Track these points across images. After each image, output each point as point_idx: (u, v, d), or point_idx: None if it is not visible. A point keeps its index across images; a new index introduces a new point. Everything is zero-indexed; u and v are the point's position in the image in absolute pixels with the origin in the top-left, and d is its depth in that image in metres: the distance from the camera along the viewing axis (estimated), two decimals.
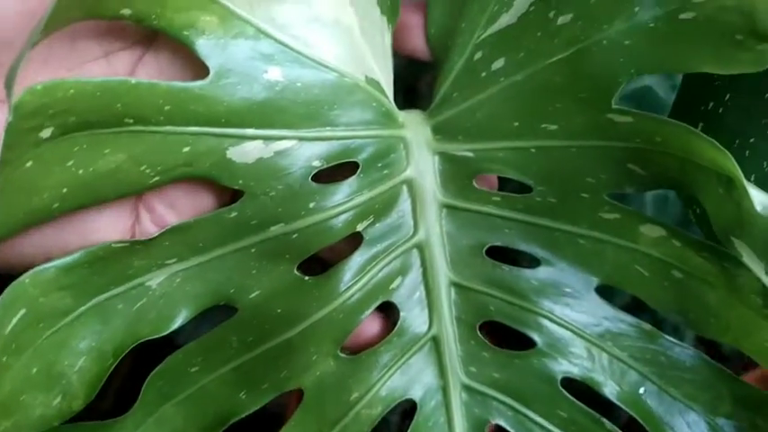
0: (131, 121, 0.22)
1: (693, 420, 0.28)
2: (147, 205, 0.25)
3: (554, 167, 0.27)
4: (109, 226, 0.24)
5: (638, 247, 0.27)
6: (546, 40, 0.25)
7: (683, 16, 0.22)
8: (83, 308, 0.24)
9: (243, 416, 0.27)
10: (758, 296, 0.25)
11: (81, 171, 0.22)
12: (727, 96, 0.26)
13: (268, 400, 0.27)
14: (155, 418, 0.26)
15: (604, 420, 0.28)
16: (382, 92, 0.27)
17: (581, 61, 0.24)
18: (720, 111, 0.25)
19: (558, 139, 0.26)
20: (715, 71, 0.22)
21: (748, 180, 0.22)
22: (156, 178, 0.23)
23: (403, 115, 0.28)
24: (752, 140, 0.25)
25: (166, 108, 0.22)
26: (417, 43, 0.28)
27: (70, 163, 0.22)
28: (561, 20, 0.24)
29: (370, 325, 0.28)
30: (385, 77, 0.27)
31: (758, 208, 0.21)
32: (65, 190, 0.22)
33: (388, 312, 0.29)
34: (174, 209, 0.25)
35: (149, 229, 0.25)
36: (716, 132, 0.23)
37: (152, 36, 0.24)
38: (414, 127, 0.28)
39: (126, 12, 0.21)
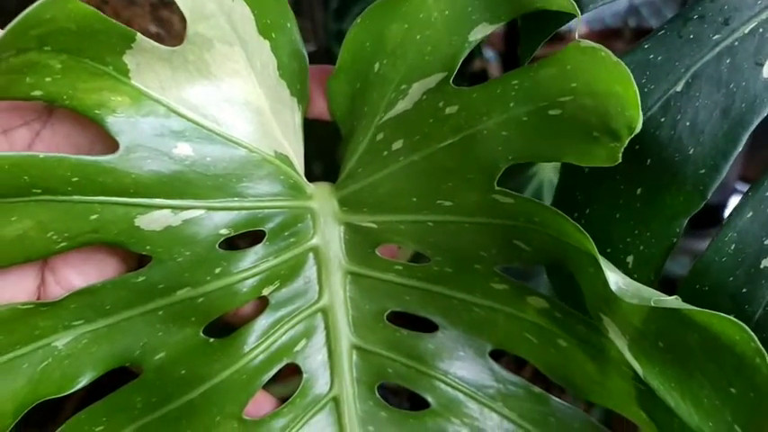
0: (39, 191, 0.23)
1: None
2: (52, 269, 0.26)
3: (450, 240, 0.29)
4: (15, 287, 0.25)
5: (525, 316, 0.29)
6: (437, 126, 0.27)
7: (551, 112, 0.25)
8: None
9: None
10: (629, 368, 0.27)
11: None
12: (587, 210, 0.28)
13: None
14: None
15: None
16: (291, 166, 0.29)
17: (467, 147, 0.27)
18: (582, 221, 0.28)
19: (452, 214, 0.29)
20: (577, 162, 0.25)
21: None
22: (63, 244, 0.25)
23: (312, 188, 0.30)
24: (608, 251, 0.28)
25: (74, 179, 0.24)
26: (320, 108, 0.30)
27: None
28: (449, 110, 0.27)
29: (263, 404, 0.29)
30: (295, 152, 0.29)
31: (613, 288, 0.23)
32: None
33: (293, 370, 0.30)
34: (80, 273, 0.26)
35: (55, 291, 0.26)
36: None
37: (48, 112, 0.25)
38: (322, 199, 0.30)
39: (37, 93, 0.23)
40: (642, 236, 0.28)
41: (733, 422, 0.23)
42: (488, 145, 0.26)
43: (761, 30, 0.26)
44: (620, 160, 0.24)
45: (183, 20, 0.25)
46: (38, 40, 0.21)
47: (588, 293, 0.27)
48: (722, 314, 0.22)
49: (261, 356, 0.29)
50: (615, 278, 0.24)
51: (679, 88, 0.27)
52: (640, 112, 0.23)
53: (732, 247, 0.27)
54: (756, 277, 0.26)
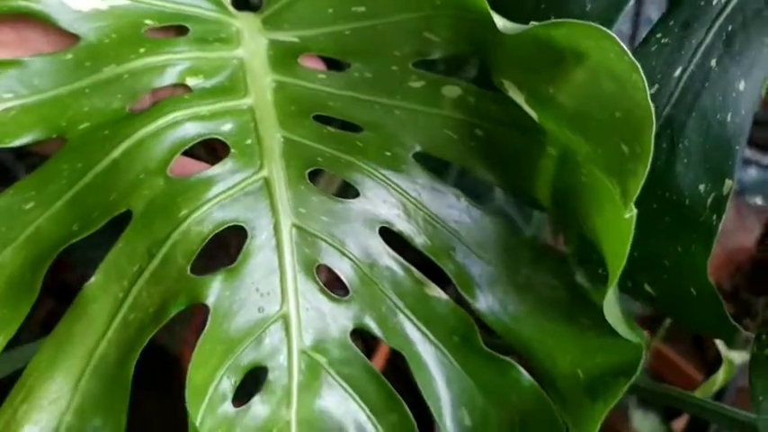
0: None
1: (492, 275, 0.30)
2: None
3: (366, 45, 0.31)
4: None
5: (442, 111, 0.31)
6: None
7: None
8: None
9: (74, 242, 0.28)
10: (541, 137, 0.28)
11: None
12: None
13: (99, 226, 0.28)
14: None
15: (413, 269, 0.31)
16: None
17: None
18: None
19: (366, 19, 0.31)
20: None
21: None
22: None
23: (237, 12, 0.32)
24: None
25: None
26: None
27: None
28: None
29: (190, 166, 0.30)
30: None
31: (499, 26, 0.25)
32: None
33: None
34: (6, 45, 0.27)
35: None
36: None
37: None
38: (246, 19, 0.32)
39: None
40: None
41: (620, 142, 0.24)
42: None
43: None
44: None
45: None
46: None
47: (490, 62, 0.29)
48: (590, 23, 0.23)
49: (184, 122, 0.29)
50: (501, 21, 0.26)
51: None
52: None
53: None
54: None
